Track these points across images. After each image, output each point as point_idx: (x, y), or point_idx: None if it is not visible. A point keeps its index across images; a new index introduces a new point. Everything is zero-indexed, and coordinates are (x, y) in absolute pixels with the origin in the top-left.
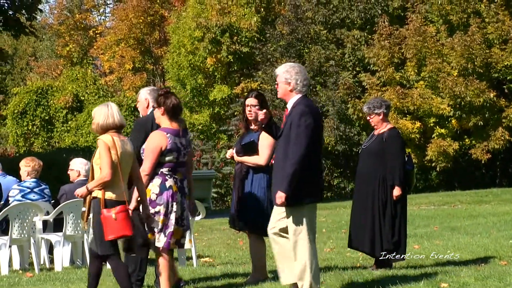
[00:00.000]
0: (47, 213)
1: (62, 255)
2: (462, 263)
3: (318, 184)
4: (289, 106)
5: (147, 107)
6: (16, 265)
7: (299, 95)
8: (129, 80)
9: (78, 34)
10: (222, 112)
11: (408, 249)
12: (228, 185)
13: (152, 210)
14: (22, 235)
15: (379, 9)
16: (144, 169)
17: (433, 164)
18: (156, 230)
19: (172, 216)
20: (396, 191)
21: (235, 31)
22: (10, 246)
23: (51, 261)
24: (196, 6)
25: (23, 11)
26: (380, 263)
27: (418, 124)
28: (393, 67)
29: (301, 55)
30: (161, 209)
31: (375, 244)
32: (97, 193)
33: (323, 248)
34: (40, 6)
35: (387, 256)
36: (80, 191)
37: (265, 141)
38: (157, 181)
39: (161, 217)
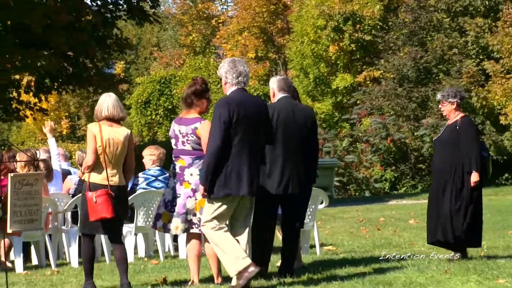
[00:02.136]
0: None
1: (133, 246)
2: None
3: (239, 177)
4: None
5: (273, 96)
6: (141, 253)
7: (233, 88)
8: (252, 69)
9: (201, 23)
10: (345, 100)
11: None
12: (350, 173)
13: None
14: (147, 223)
15: None
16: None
17: None
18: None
19: (161, 199)
20: (474, 177)
21: (358, 19)
22: (135, 234)
23: (176, 248)
24: None
25: None
26: (456, 249)
27: None
28: None
29: (423, 43)
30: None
31: (447, 232)
32: (85, 176)
33: None
34: None
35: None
36: (79, 173)
37: None
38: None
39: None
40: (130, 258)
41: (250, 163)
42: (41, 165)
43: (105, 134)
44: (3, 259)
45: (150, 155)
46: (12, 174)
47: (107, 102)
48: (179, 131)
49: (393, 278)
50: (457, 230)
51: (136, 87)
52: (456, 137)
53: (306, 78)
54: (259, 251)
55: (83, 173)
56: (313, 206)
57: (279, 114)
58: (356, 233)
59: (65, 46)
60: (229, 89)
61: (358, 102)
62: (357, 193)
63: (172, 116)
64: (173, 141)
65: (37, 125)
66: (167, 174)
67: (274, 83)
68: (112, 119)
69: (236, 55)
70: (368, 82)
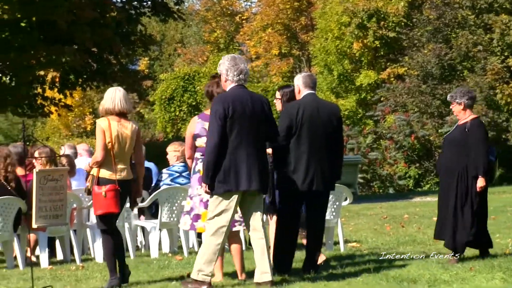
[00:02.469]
0: None
1: (158, 242)
2: None
3: (237, 172)
4: None
5: (299, 92)
6: (166, 249)
7: (233, 85)
8: (276, 65)
9: (225, 20)
10: (369, 97)
11: None
12: (374, 170)
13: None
14: (172, 219)
15: None
16: (187, 153)
17: None
18: (183, 212)
19: (196, 199)
20: (480, 182)
21: (382, 16)
22: (160, 230)
23: (200, 244)
24: None
25: None
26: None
27: None
28: None
29: (448, 40)
30: (190, 191)
31: (456, 236)
32: (93, 171)
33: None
34: None
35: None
36: (86, 167)
37: None
38: (192, 165)
39: (187, 200)
40: (155, 254)
41: (248, 159)
42: (64, 160)
43: (114, 130)
44: (28, 254)
45: (174, 151)
46: (37, 170)
47: (117, 96)
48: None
49: (417, 275)
50: (460, 232)
51: (160, 84)
52: (465, 138)
53: (330, 74)
54: (283, 247)
55: (91, 168)
56: (337, 203)
57: (304, 110)
58: (380, 230)
59: (89, 42)
60: (228, 86)
61: (382, 99)
62: (381, 190)
63: (196, 112)
64: (201, 138)
65: (62, 121)
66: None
67: (299, 79)
68: (120, 114)
69: (259, 51)
70: (392, 79)
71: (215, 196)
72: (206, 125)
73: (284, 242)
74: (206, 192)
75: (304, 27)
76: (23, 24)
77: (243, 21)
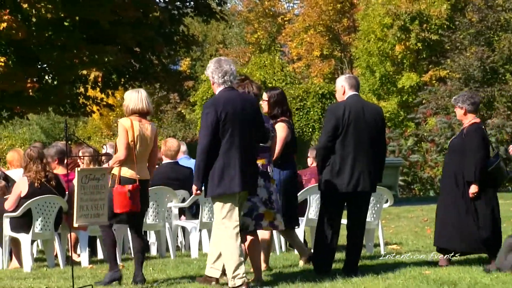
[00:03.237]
0: None
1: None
2: None
3: (230, 174)
4: None
5: (343, 93)
6: (206, 249)
7: (221, 87)
8: (317, 67)
9: (267, 21)
10: (410, 99)
11: None
12: (415, 173)
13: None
14: (212, 219)
15: None
16: None
17: None
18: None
19: (256, 199)
20: (472, 189)
21: (425, 18)
22: (200, 230)
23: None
24: None
25: None
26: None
27: None
28: None
29: (490, 43)
30: None
31: (459, 241)
32: (115, 170)
33: None
34: None
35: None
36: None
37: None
38: None
39: (245, 202)
40: (195, 254)
41: (241, 161)
42: (105, 159)
43: (136, 130)
44: (69, 253)
45: None
46: (79, 169)
47: (139, 96)
48: None
49: (458, 278)
50: (453, 238)
51: (201, 84)
52: (462, 144)
53: (372, 76)
54: (323, 249)
55: (112, 167)
56: (378, 205)
57: (350, 111)
58: (421, 233)
59: (131, 42)
60: (217, 89)
61: (423, 101)
62: (421, 193)
63: None
64: None
65: (103, 120)
66: None
67: (344, 80)
68: (141, 114)
69: (301, 53)
70: (434, 81)
71: (216, 202)
72: None
73: (324, 243)
74: (195, 194)
75: (346, 29)
76: (66, 24)
77: (285, 22)
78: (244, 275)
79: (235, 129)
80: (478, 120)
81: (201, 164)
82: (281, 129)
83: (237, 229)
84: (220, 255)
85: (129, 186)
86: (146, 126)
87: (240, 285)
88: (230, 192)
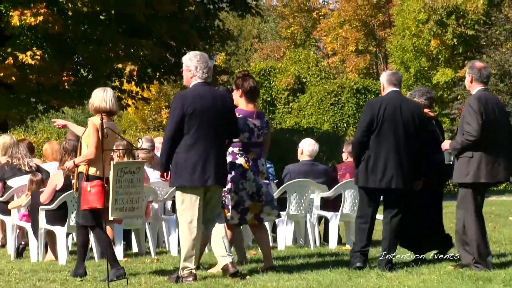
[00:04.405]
0: None
1: (285, 235)
2: None
3: (193, 168)
4: None
5: (383, 89)
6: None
7: (198, 81)
8: (352, 62)
9: (302, 16)
10: (445, 95)
11: None
12: None
13: (224, 188)
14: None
15: None
16: None
17: None
18: (229, 207)
19: (243, 193)
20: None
21: (461, 13)
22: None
23: (274, 239)
24: None
25: None
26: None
27: None
28: None
29: None
30: (232, 186)
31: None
32: (82, 168)
33: None
34: None
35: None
36: (68, 164)
37: None
38: (228, 160)
39: (232, 194)
40: (281, 246)
41: (207, 155)
42: (142, 154)
43: (105, 128)
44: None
45: None
46: (114, 162)
47: (104, 96)
48: (254, 124)
49: (492, 274)
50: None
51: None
52: None
53: (407, 72)
54: (360, 240)
55: (76, 165)
56: None
57: (386, 107)
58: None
59: (167, 36)
60: (193, 82)
61: (458, 97)
62: (456, 189)
63: (271, 108)
64: (245, 134)
65: (138, 114)
66: (268, 165)
67: (383, 77)
68: (109, 113)
69: (336, 48)
70: None
71: (178, 192)
72: (250, 121)
73: (359, 238)
74: (161, 179)
75: (382, 24)
76: (102, 17)
77: (320, 17)
78: (193, 268)
79: (203, 124)
80: (431, 115)
81: (164, 152)
82: None
83: (195, 222)
84: (219, 242)
85: (92, 183)
86: (113, 125)
87: (187, 277)
88: (189, 185)
